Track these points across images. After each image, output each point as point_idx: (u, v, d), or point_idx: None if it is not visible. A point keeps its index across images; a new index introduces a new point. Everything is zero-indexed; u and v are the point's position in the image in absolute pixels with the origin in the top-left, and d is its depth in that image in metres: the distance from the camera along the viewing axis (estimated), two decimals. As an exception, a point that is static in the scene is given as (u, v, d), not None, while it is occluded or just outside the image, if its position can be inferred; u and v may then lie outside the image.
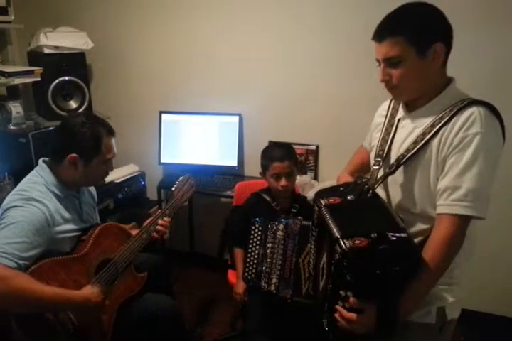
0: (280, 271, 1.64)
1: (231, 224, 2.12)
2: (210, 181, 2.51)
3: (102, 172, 1.60)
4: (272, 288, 1.63)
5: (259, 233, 1.73)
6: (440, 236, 1.12)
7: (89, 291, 1.40)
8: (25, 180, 1.52)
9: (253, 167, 2.31)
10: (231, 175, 2.59)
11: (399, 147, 1.25)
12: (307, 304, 1.55)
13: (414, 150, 1.17)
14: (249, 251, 1.73)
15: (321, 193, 1.28)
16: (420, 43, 1.12)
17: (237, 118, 2.54)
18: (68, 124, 1.52)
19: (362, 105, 2.24)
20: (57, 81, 2.45)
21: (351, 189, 1.24)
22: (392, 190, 1.28)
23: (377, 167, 1.28)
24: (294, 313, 1.70)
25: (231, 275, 2.02)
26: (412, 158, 1.19)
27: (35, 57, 2.51)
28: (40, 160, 1.56)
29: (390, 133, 1.30)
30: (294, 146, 2.03)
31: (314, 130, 2.45)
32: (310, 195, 2.11)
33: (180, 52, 2.61)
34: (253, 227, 1.74)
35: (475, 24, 1.96)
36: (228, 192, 2.40)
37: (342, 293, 1.10)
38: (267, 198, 1.91)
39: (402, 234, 1.06)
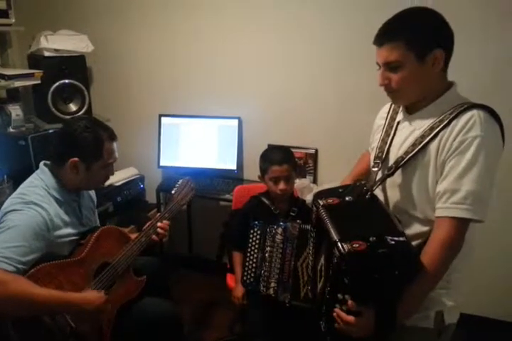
0: (279, 274, 1.63)
1: (230, 228, 2.11)
2: (209, 184, 2.51)
3: (102, 177, 1.60)
4: (271, 291, 1.63)
5: (258, 237, 1.72)
6: (439, 239, 1.11)
7: (93, 294, 1.40)
8: (25, 183, 1.52)
9: (252, 170, 2.30)
10: (230, 178, 2.59)
11: (398, 149, 1.25)
12: (306, 308, 1.54)
13: (413, 152, 1.17)
14: (248, 254, 1.73)
15: (320, 194, 1.29)
16: (420, 49, 1.12)
17: (236, 121, 2.54)
18: (70, 128, 1.52)
19: (361, 109, 2.24)
20: (57, 84, 2.45)
21: (350, 190, 1.24)
22: (391, 192, 1.27)
23: (376, 169, 1.28)
24: (292, 317, 1.69)
25: (230, 279, 2.02)
26: (410, 161, 1.19)
27: (36, 60, 2.51)
28: (41, 164, 1.57)
29: (389, 135, 1.30)
30: (293, 150, 2.03)
31: (313, 133, 2.45)
32: (309, 198, 2.10)
33: (180, 55, 2.61)
34: (252, 231, 1.74)
35: (475, 24, 1.97)
36: (227, 196, 2.40)
37: (340, 296, 1.10)
38: (266, 201, 1.91)
39: (401, 238, 1.06)
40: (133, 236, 1.67)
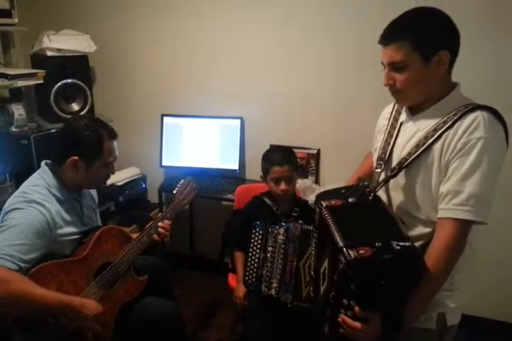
0: (281, 275, 1.63)
1: (232, 228, 2.11)
2: (211, 184, 2.51)
3: (103, 175, 1.60)
4: (273, 292, 1.63)
5: (260, 237, 1.72)
6: (442, 241, 1.11)
7: (92, 302, 1.38)
8: (27, 182, 1.52)
9: (254, 170, 2.30)
10: (232, 178, 2.59)
11: (401, 150, 1.24)
12: (307, 308, 1.54)
13: (416, 154, 1.17)
14: (250, 254, 1.73)
15: (323, 195, 1.27)
16: (425, 50, 1.11)
17: (238, 121, 2.54)
18: (70, 127, 1.53)
19: (364, 109, 2.24)
20: (59, 83, 2.46)
21: (353, 191, 1.22)
22: (394, 194, 1.27)
23: (379, 170, 1.27)
24: (294, 317, 1.69)
25: (231, 279, 2.02)
26: (413, 162, 1.18)
27: (38, 59, 2.52)
28: (43, 163, 1.57)
29: (392, 135, 1.29)
30: (295, 150, 2.03)
31: (316, 134, 2.45)
32: (311, 198, 2.10)
33: (182, 55, 2.62)
34: (254, 231, 1.74)
35: (476, 25, 1.96)
36: (229, 196, 2.40)
37: (345, 301, 1.09)
38: (268, 202, 1.91)
39: (407, 243, 1.04)
40: (134, 235, 1.68)
